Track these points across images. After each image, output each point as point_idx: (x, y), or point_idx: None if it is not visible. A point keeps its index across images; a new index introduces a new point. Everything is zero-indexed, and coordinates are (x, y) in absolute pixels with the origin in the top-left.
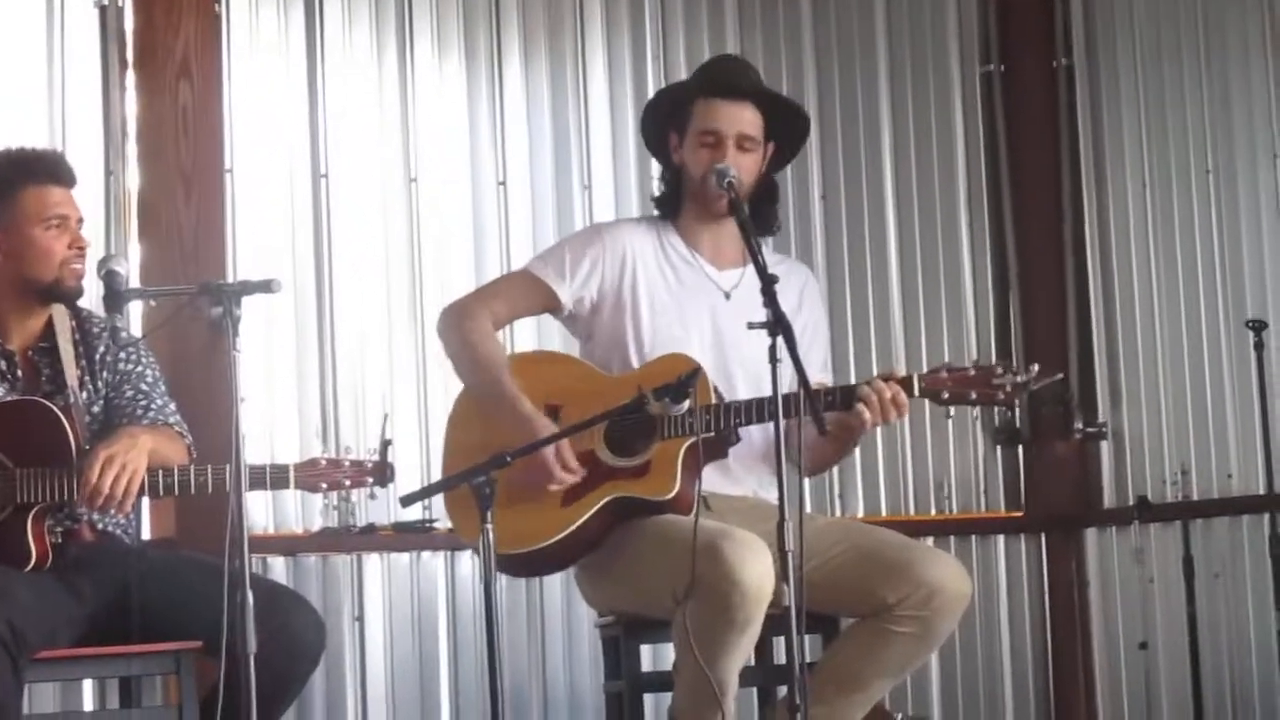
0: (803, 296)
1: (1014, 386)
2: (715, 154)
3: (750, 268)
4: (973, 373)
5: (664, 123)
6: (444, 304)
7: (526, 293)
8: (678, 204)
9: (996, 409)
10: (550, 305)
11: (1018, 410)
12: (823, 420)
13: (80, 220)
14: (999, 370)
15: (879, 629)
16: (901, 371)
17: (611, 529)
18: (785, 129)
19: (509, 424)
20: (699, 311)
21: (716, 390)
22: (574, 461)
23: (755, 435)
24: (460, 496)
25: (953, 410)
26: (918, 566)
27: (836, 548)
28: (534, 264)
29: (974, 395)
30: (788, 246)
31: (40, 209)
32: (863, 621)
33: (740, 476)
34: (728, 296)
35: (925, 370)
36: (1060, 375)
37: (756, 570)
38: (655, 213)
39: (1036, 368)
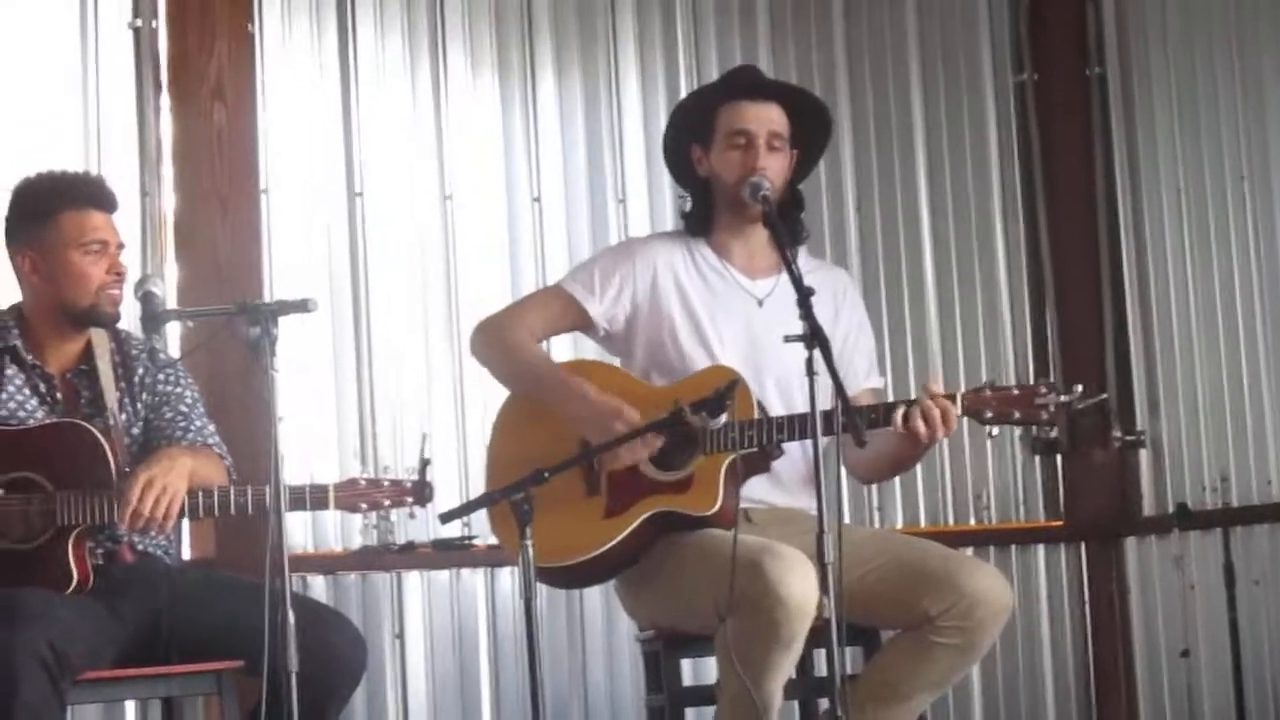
0: (839, 303)
1: (1057, 406)
2: (747, 155)
3: (784, 275)
4: (1016, 392)
5: (685, 138)
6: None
7: (558, 309)
8: (708, 219)
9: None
10: (582, 322)
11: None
12: (861, 432)
13: (120, 246)
14: (1043, 390)
15: (921, 640)
16: (941, 388)
17: (653, 543)
18: (808, 135)
19: (576, 409)
20: (732, 320)
21: (760, 404)
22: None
23: (807, 447)
24: (503, 510)
25: (996, 431)
26: (960, 578)
27: (877, 559)
28: (565, 281)
29: (1017, 415)
30: (823, 256)
31: (79, 233)
32: (904, 633)
33: (787, 487)
34: (761, 304)
35: (967, 389)
36: (1104, 395)
37: (799, 587)
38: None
39: (1080, 388)
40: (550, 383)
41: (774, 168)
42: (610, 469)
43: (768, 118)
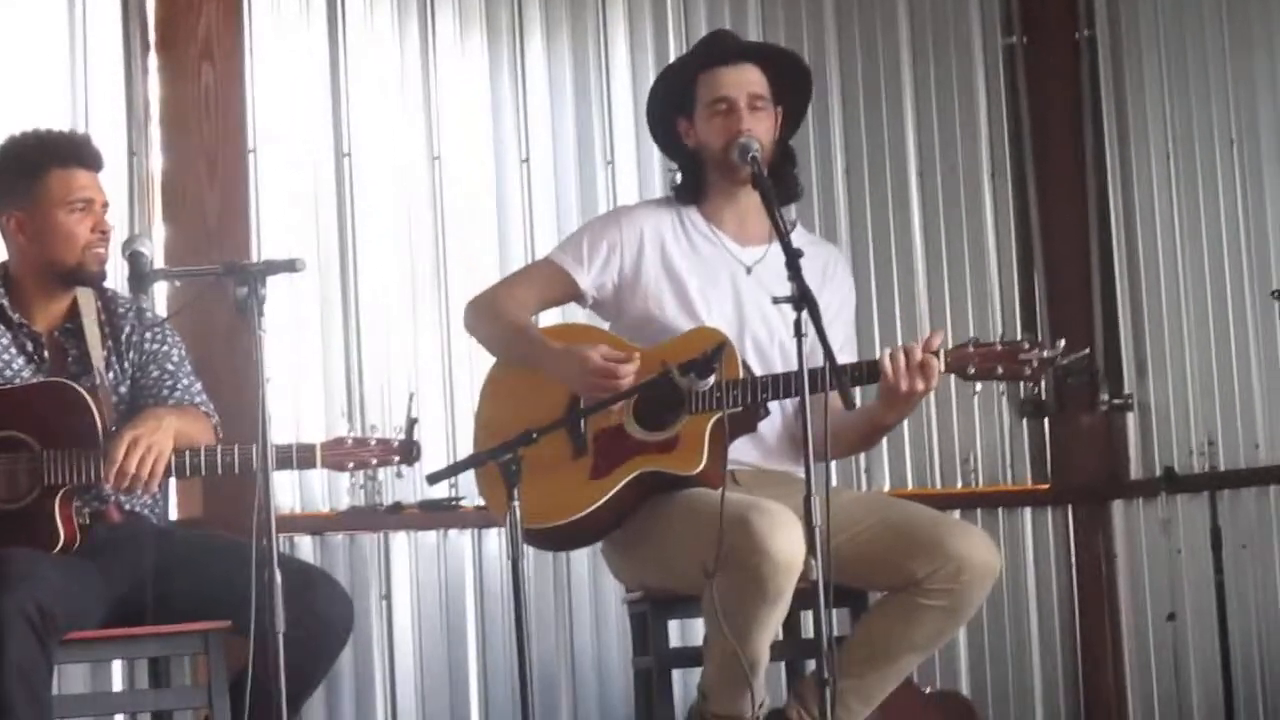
0: (825, 275)
1: (1040, 362)
2: (730, 120)
3: (775, 245)
4: (999, 348)
5: (669, 114)
6: (469, 283)
7: (549, 281)
8: (700, 188)
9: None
10: (573, 293)
11: (1043, 383)
12: (849, 394)
13: (105, 204)
14: (1026, 345)
15: (908, 602)
16: (932, 346)
17: (639, 503)
18: (789, 90)
19: (564, 367)
20: (720, 285)
21: (745, 364)
22: (619, 354)
23: (789, 411)
24: (490, 472)
25: (979, 385)
26: (947, 540)
27: (865, 521)
28: (554, 253)
29: (1001, 370)
30: (811, 220)
31: (65, 192)
32: (892, 595)
33: (772, 451)
34: (749, 271)
35: (951, 345)
36: (1087, 350)
37: (786, 541)
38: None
39: (1063, 343)
40: (542, 347)
41: (759, 128)
42: (599, 427)
43: (746, 80)
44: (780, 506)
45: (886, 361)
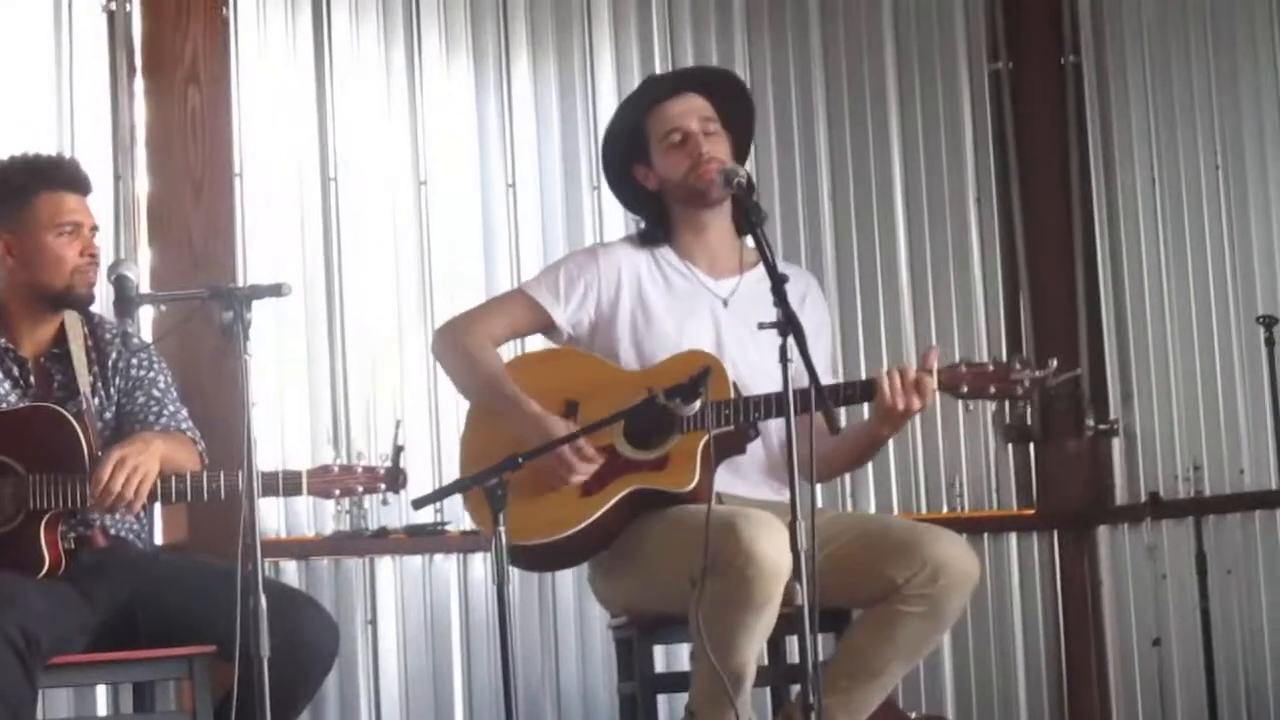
0: (804, 302)
1: (1032, 381)
2: (688, 146)
3: (747, 275)
4: (991, 368)
5: (625, 164)
6: (455, 309)
7: (521, 312)
8: (667, 229)
9: (1008, 406)
10: (544, 325)
11: (1029, 408)
12: (835, 418)
13: (94, 228)
14: (1017, 365)
15: (889, 611)
16: (928, 365)
17: (628, 521)
18: (734, 116)
19: (519, 426)
20: (699, 320)
21: (735, 385)
22: (591, 451)
23: (771, 441)
24: (478, 492)
25: (971, 405)
26: (923, 545)
27: (845, 534)
28: (529, 285)
29: (993, 390)
30: (798, 245)
31: (54, 215)
32: (872, 608)
33: (756, 481)
34: (726, 304)
35: (942, 365)
36: (1079, 371)
37: (772, 546)
38: None
39: (1054, 363)
40: (489, 390)
41: (718, 151)
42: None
43: (693, 108)
44: (767, 515)
45: (884, 382)
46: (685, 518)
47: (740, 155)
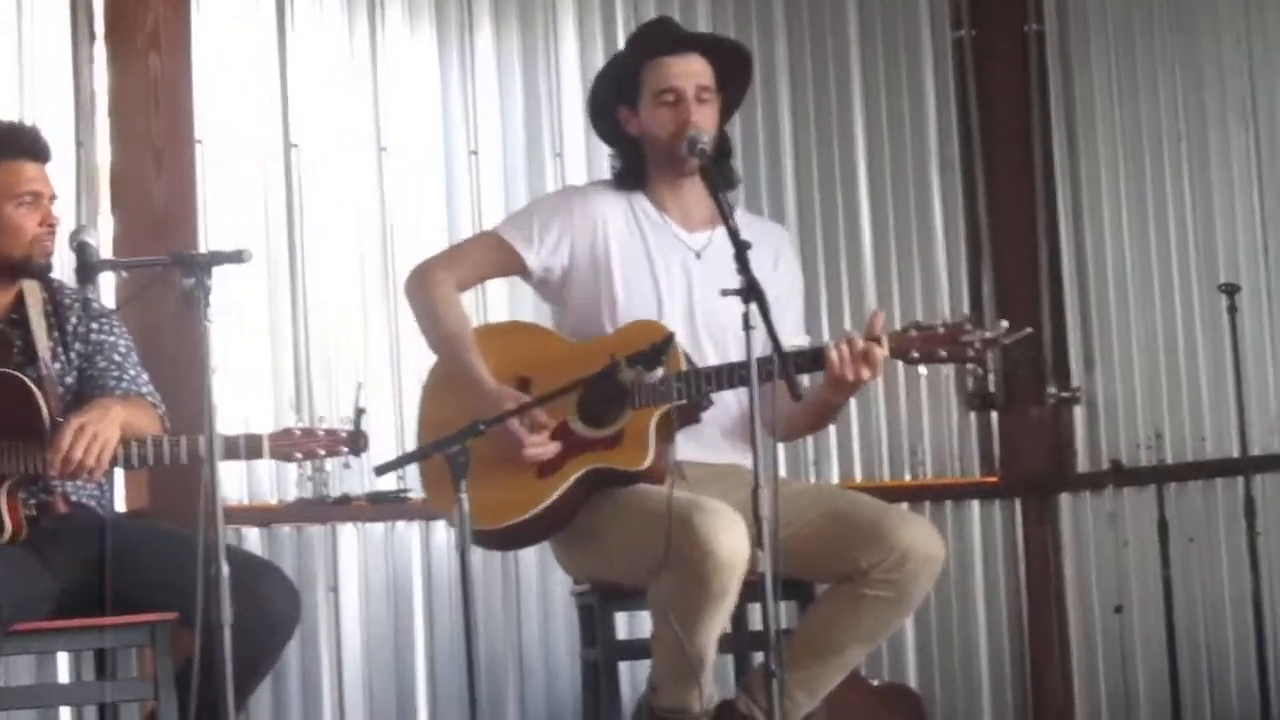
0: (778, 257)
1: (984, 343)
2: (678, 111)
3: (721, 229)
4: (941, 330)
5: (610, 101)
6: None
7: (493, 256)
8: (641, 175)
9: (970, 373)
10: (517, 269)
11: (991, 375)
12: (796, 385)
13: (53, 197)
14: (967, 327)
15: (853, 593)
16: (875, 331)
17: (586, 500)
18: (731, 77)
19: (475, 398)
20: (671, 272)
21: (688, 357)
22: (544, 419)
23: (730, 403)
24: (435, 470)
25: (924, 370)
26: (890, 530)
27: (810, 512)
28: (503, 227)
29: (944, 353)
30: (760, 211)
31: (13, 184)
32: (836, 587)
33: (717, 444)
34: (698, 256)
35: (892, 330)
36: (1029, 330)
37: (729, 540)
38: None
39: (1005, 323)
40: (450, 354)
41: (706, 119)
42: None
43: (693, 71)
44: (723, 505)
45: (832, 353)
46: (644, 505)
47: (726, 116)
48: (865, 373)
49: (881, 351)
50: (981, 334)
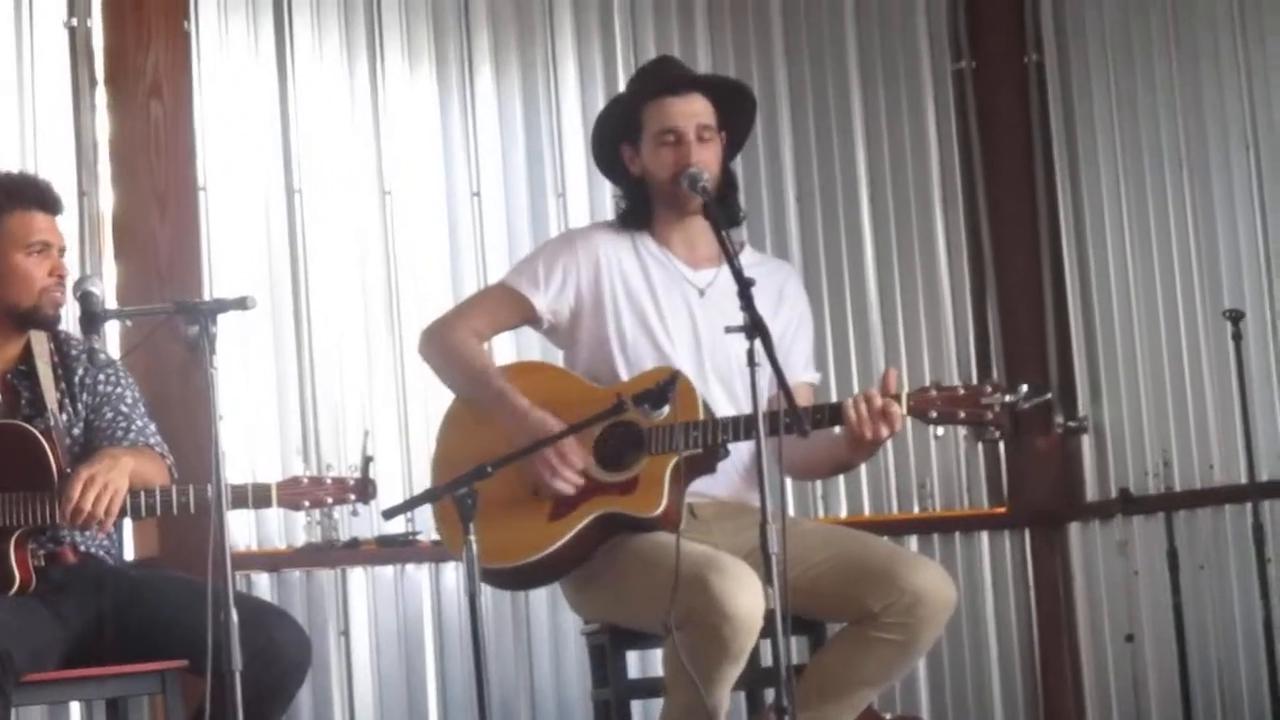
0: (783, 294)
1: (1002, 406)
2: (679, 151)
3: (726, 267)
4: (962, 392)
5: (614, 139)
6: (422, 318)
7: (504, 306)
8: (646, 214)
9: (986, 436)
10: (528, 316)
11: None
12: (804, 423)
13: (63, 249)
14: (988, 389)
15: (863, 636)
16: (890, 388)
17: (599, 544)
18: (734, 114)
19: (507, 421)
20: (676, 310)
21: (706, 405)
22: (574, 449)
23: (747, 447)
24: (447, 508)
25: (941, 431)
26: (902, 574)
27: (821, 553)
28: (509, 276)
29: (962, 415)
30: (764, 247)
31: (24, 234)
32: (847, 628)
33: (733, 482)
34: (702, 294)
35: (912, 389)
36: (1049, 395)
37: (747, 601)
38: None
39: (1025, 388)
40: (479, 384)
41: (707, 158)
42: (545, 486)
43: (694, 111)
44: (737, 562)
45: (850, 411)
46: (657, 558)
47: (731, 154)
48: (884, 431)
49: (899, 409)
50: (1001, 397)
